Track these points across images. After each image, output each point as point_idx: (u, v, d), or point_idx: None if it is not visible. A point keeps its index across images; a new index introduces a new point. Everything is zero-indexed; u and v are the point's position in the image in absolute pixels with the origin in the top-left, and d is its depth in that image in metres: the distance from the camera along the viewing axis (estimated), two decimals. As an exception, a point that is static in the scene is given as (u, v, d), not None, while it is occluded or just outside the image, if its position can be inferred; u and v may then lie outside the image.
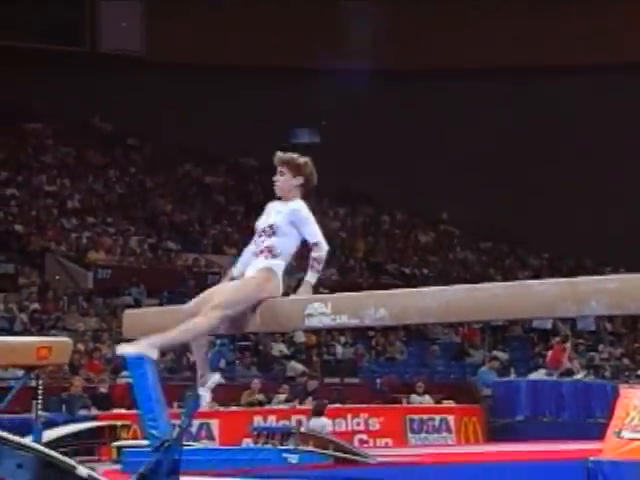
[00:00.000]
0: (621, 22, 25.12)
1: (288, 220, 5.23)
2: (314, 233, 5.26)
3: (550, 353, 15.22)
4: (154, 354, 5.17)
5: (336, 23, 25.39)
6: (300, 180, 5.28)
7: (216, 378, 5.40)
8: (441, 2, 25.88)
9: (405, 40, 25.58)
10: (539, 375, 15.48)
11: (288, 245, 5.23)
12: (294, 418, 13.11)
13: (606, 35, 24.93)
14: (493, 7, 25.76)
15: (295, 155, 5.33)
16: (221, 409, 13.04)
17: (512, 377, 16.04)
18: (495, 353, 17.28)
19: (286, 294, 5.35)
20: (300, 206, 5.26)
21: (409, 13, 25.96)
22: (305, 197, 5.31)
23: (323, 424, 12.36)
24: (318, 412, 12.56)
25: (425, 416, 14.43)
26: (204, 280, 18.95)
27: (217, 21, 25.34)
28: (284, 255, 5.24)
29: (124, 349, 5.17)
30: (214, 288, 5.43)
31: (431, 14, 25.87)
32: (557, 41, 25.22)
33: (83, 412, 11.81)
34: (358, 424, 13.78)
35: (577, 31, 25.21)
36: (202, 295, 5.30)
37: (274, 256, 5.21)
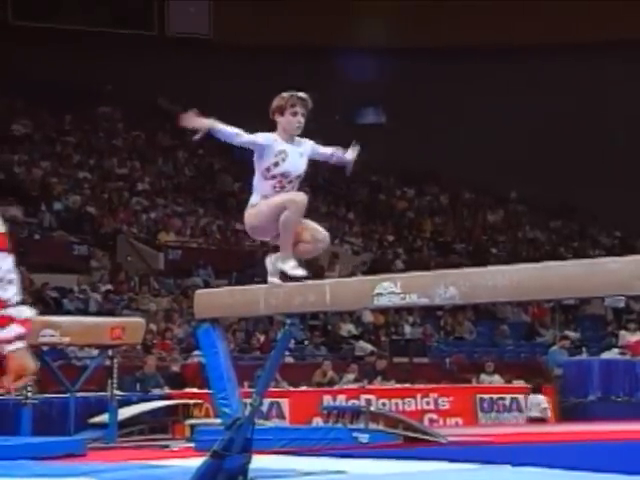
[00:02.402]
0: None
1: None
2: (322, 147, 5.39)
3: (634, 342, 14.99)
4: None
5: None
6: None
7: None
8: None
9: (458, 18, 25.27)
10: (612, 354, 15.26)
11: None
12: (363, 397, 13.15)
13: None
14: None
15: None
16: (291, 388, 13.15)
17: (584, 357, 15.83)
18: (566, 332, 17.06)
19: (353, 274, 5.36)
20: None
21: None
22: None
23: (539, 401, 13.44)
24: (536, 389, 13.61)
25: (495, 395, 14.34)
26: (272, 260, 19.13)
27: (284, 3, 25.36)
28: None
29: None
30: None
31: None
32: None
33: (156, 391, 12.01)
34: (428, 404, 13.75)
35: (608, 7, 24.64)
36: None
37: None
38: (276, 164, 5.21)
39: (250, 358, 14.10)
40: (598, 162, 24.44)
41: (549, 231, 24.43)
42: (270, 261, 5.34)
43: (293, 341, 14.28)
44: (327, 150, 5.40)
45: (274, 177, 5.21)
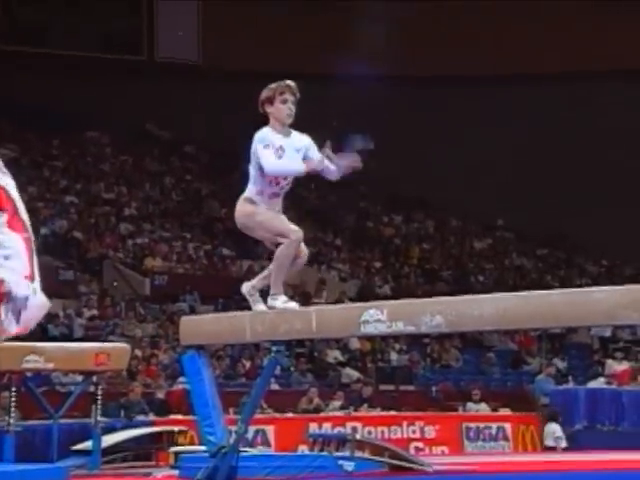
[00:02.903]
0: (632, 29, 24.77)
1: None
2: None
3: (620, 371, 14.98)
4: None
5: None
6: None
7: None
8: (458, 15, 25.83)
9: (447, 47, 25.48)
10: (598, 383, 15.25)
11: None
12: (349, 425, 13.09)
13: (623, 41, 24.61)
14: (509, 15, 25.60)
15: None
16: (277, 415, 13.09)
17: (570, 385, 15.82)
18: (553, 361, 17.07)
19: (340, 300, 5.36)
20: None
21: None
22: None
23: (554, 430, 13.24)
24: (552, 417, 13.39)
25: (482, 424, 14.30)
26: (259, 287, 19.10)
27: (273, 29, 25.50)
28: None
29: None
30: None
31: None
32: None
33: (141, 418, 11.92)
34: (414, 432, 13.71)
35: (594, 37, 24.93)
36: None
37: None
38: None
39: (236, 385, 14.03)
40: (585, 190, 24.56)
41: (536, 259, 24.50)
42: (246, 289, 5.36)
43: (279, 368, 14.23)
44: (318, 156, 5.38)
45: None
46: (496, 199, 24.16)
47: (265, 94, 5.32)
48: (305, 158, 5.28)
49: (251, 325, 5.41)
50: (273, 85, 5.31)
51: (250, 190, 5.32)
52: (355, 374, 15.67)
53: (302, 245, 5.36)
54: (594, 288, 4.13)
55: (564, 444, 13.58)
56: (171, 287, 17.98)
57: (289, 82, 5.33)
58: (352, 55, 24.81)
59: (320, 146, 5.40)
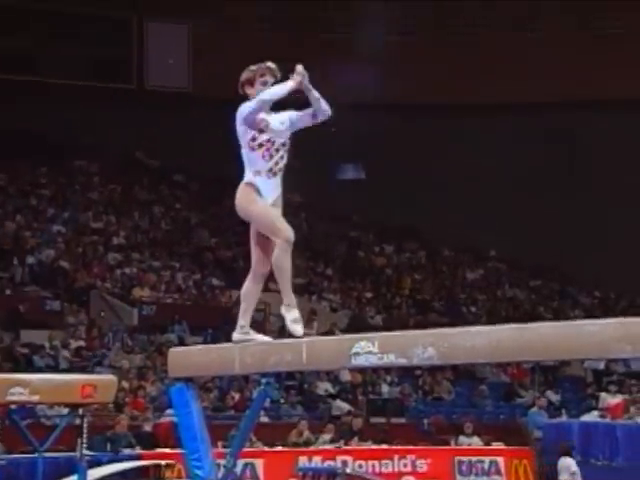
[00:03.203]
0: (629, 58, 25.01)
1: None
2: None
3: (614, 404, 14.95)
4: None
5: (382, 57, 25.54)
6: None
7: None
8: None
9: (439, 75, 25.67)
10: (592, 417, 15.21)
11: None
12: (340, 459, 13.02)
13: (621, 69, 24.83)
14: (506, 45, 25.88)
15: None
16: (266, 449, 13.01)
17: (563, 419, 15.78)
18: (546, 394, 17.04)
19: (331, 332, 5.35)
20: None
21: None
22: None
23: (569, 464, 12.83)
24: (566, 452, 13.01)
25: (474, 458, 14.24)
26: (249, 317, 19.05)
27: (263, 58, 25.61)
28: None
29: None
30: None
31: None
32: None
33: (128, 451, 11.83)
34: (405, 465, 13.64)
35: (591, 65, 25.16)
36: None
37: None
38: (260, 131, 5.27)
39: (224, 417, 13.96)
40: (579, 221, 24.65)
41: (529, 290, 24.53)
42: (238, 336, 5.39)
43: (268, 400, 14.17)
44: (308, 112, 5.40)
45: (261, 145, 5.27)
46: (488, 229, 24.22)
47: (245, 76, 5.40)
48: (292, 124, 5.32)
49: (240, 357, 5.39)
50: (253, 67, 5.40)
51: (247, 175, 5.35)
52: (346, 406, 15.61)
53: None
54: (587, 321, 4.13)
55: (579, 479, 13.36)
56: (159, 317, 17.93)
57: (270, 64, 5.40)
58: (343, 83, 24.95)
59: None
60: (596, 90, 25.05)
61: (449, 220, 24.40)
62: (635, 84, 24.52)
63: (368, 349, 4.81)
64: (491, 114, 25.33)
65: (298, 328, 5.18)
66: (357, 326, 17.85)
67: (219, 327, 17.55)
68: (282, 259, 5.25)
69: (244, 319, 5.48)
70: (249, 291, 5.54)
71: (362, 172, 26.74)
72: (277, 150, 5.28)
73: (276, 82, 5.33)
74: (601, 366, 18.31)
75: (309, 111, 5.40)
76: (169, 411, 12.50)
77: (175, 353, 5.97)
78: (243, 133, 5.28)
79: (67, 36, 25.43)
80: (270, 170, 5.29)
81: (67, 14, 25.14)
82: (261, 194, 5.30)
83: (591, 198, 24.82)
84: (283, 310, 5.25)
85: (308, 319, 18.41)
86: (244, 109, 5.29)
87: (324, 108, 5.37)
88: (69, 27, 25.32)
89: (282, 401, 15.54)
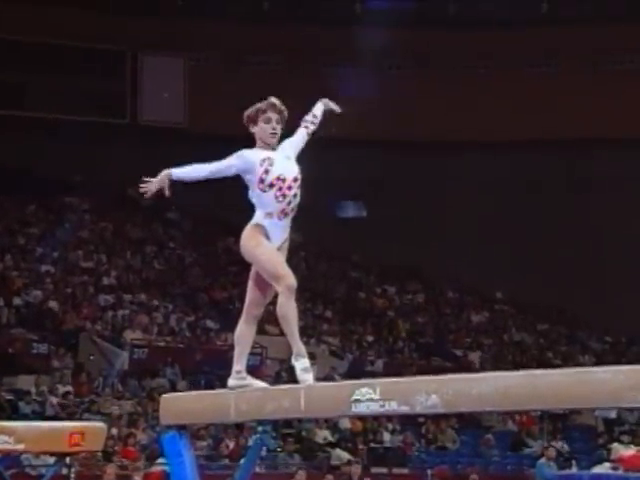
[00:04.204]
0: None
1: None
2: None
3: (627, 456, 14.84)
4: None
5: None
6: None
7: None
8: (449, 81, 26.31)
9: (440, 112, 25.85)
10: (603, 469, 15.08)
11: None
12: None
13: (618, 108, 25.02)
14: (504, 81, 26.11)
15: None
16: (262, 500, 12.90)
17: (574, 470, 15.65)
18: (555, 444, 16.92)
19: (330, 377, 5.32)
20: None
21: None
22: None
23: None
24: None
25: (480, 510, 14.13)
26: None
27: (260, 92, 25.78)
28: None
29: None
30: None
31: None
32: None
33: (116, 501, 11.73)
34: (408, 518, 13.52)
35: (590, 103, 25.37)
36: None
37: None
38: (267, 171, 5.17)
39: (218, 466, 13.87)
40: (589, 264, 24.68)
41: (537, 334, 24.47)
42: (234, 382, 5.36)
43: (265, 449, 14.08)
44: (300, 130, 5.43)
45: (272, 185, 5.17)
46: (495, 270, 24.22)
47: (247, 113, 5.36)
48: (296, 148, 5.34)
49: (236, 403, 5.36)
50: (258, 104, 5.32)
51: (257, 216, 5.25)
52: (345, 455, 15.50)
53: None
54: (599, 368, 4.11)
55: None
56: (151, 361, 17.86)
57: (273, 99, 5.32)
58: (343, 120, 25.08)
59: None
60: (597, 128, 25.21)
61: (453, 260, 24.40)
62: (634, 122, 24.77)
63: (369, 396, 4.78)
64: (494, 153, 25.45)
65: (309, 377, 5.15)
66: (357, 371, 17.78)
67: (213, 372, 17.49)
68: (286, 307, 5.23)
69: (239, 364, 5.45)
70: (243, 334, 5.53)
71: (363, 210, 26.81)
72: (289, 188, 5.19)
73: (281, 118, 5.29)
74: (613, 415, 18.21)
75: (303, 134, 5.41)
76: (160, 460, 12.41)
77: (167, 399, 5.93)
78: (250, 178, 5.22)
79: (60, 69, 25.61)
80: (282, 211, 5.21)
81: (59, 47, 25.33)
82: (269, 237, 5.24)
83: (602, 241, 24.86)
84: (293, 360, 5.22)
85: (306, 364, 18.34)
86: (238, 152, 5.33)
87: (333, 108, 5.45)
88: (61, 60, 25.50)
89: (279, 450, 15.43)
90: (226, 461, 14.35)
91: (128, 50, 26.56)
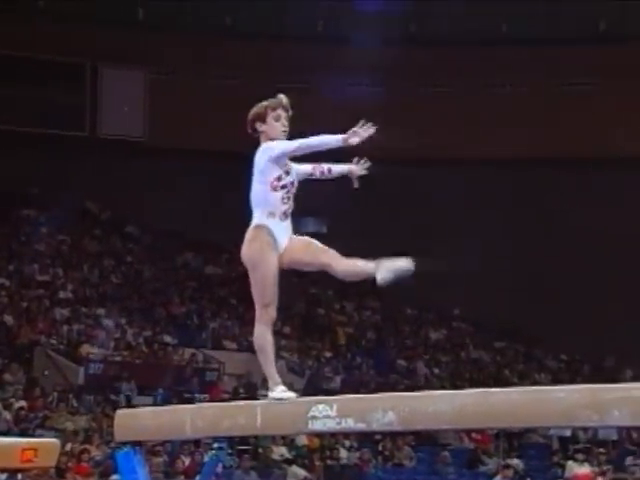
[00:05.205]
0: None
1: None
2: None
3: (581, 475, 14.94)
4: None
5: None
6: None
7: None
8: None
9: (403, 129, 26.00)
10: (558, 486, 15.18)
11: None
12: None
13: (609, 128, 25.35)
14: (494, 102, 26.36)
15: None
16: (217, 517, 12.80)
17: (529, 488, 15.72)
18: (510, 461, 16.98)
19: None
20: None
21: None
22: None
23: None
24: None
25: (436, 528, 14.12)
26: (202, 377, 18.86)
27: (221, 107, 25.77)
28: None
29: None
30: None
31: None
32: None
33: (69, 518, 11.57)
34: (363, 536, 13.49)
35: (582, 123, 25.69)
36: None
37: None
38: (288, 172, 5.11)
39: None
40: (546, 283, 24.88)
41: (494, 352, 24.60)
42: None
43: (220, 465, 13.98)
44: (307, 167, 5.28)
45: (284, 187, 5.10)
46: (453, 288, 24.32)
47: (256, 111, 5.19)
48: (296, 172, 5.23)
49: (192, 420, 5.32)
50: (264, 102, 5.21)
51: (259, 216, 5.11)
52: (302, 472, 15.45)
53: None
54: (554, 387, 4.14)
55: None
56: (107, 376, 17.69)
57: (282, 97, 5.23)
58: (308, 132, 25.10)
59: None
60: (571, 148, 25.49)
61: (412, 278, 24.44)
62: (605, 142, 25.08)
63: (326, 413, 4.77)
64: (455, 170, 25.59)
65: (290, 395, 5.10)
66: (315, 387, 17.74)
67: (170, 387, 17.36)
68: (263, 339, 5.14)
69: (276, 373, 5.20)
70: (269, 340, 5.24)
71: (323, 226, 26.83)
72: (294, 193, 5.19)
73: (288, 117, 5.17)
74: (567, 433, 18.33)
75: (308, 169, 5.27)
76: (114, 477, 12.27)
77: (122, 415, 5.88)
78: (269, 171, 5.06)
79: (18, 81, 25.37)
80: (284, 213, 5.15)
81: (18, 58, 25.10)
82: (276, 239, 5.10)
83: (558, 261, 25.09)
84: (269, 393, 5.14)
85: (264, 379, 18.28)
86: (278, 145, 5.05)
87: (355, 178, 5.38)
88: (20, 72, 25.27)
89: (235, 466, 15.34)
90: (182, 478, 14.23)
91: (88, 62, 26.40)
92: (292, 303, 24.23)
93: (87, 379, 17.77)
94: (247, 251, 5.13)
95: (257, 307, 5.17)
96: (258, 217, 5.12)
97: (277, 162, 5.08)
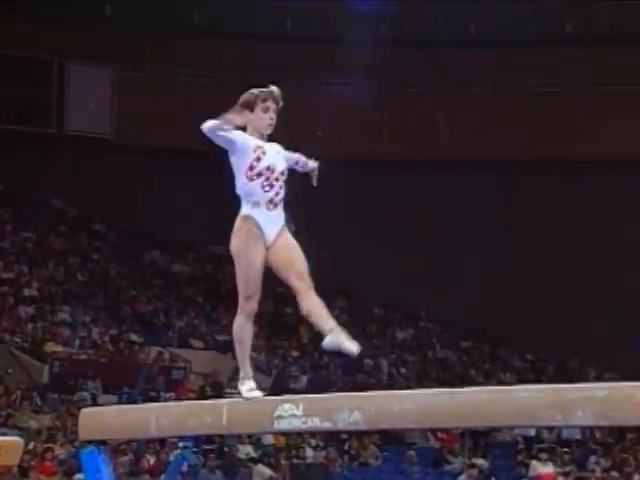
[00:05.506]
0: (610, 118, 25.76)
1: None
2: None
3: (544, 474, 15.05)
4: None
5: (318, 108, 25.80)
6: None
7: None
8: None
9: (382, 130, 26.05)
10: (522, 485, 15.28)
11: None
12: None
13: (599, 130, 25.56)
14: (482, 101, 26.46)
15: None
16: (182, 516, 12.75)
17: (493, 486, 15.81)
18: (475, 460, 17.07)
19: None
20: None
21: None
22: None
23: None
24: None
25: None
26: (168, 375, 18.78)
27: (189, 105, 25.67)
28: None
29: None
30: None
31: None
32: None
33: (32, 518, 11.49)
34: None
35: (568, 125, 25.86)
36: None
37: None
38: (258, 159, 5.01)
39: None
40: (513, 284, 25.03)
41: (460, 351, 24.72)
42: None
43: (186, 464, 13.93)
44: (294, 155, 5.25)
45: (260, 174, 5.01)
46: (420, 288, 24.41)
47: (245, 98, 5.09)
48: (285, 159, 5.15)
49: (157, 418, 5.30)
50: (255, 90, 5.10)
51: (244, 208, 5.04)
52: (267, 471, 15.43)
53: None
54: (519, 387, 4.17)
55: None
56: (72, 375, 17.57)
57: (273, 88, 5.13)
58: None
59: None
60: (537, 150, 25.67)
61: (379, 278, 24.53)
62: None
63: (292, 412, 4.77)
64: (424, 172, 25.66)
65: (257, 394, 5.09)
66: (281, 387, 17.73)
67: (136, 386, 17.27)
68: (243, 331, 5.16)
69: (248, 367, 5.20)
70: (248, 331, 5.25)
71: (292, 225, 26.79)
72: (277, 179, 5.06)
73: (277, 109, 5.09)
74: (532, 432, 18.44)
75: (296, 157, 5.24)
76: (78, 476, 12.19)
77: (87, 414, 5.84)
78: (237, 162, 5.01)
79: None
80: (271, 201, 5.05)
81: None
82: (262, 229, 5.06)
83: (525, 262, 25.25)
84: (238, 385, 5.14)
85: (231, 378, 18.22)
86: (208, 123, 4.96)
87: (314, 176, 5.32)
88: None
89: (200, 465, 15.29)
90: (147, 477, 14.17)
91: (55, 59, 26.20)
92: (260, 302, 24.20)
93: (52, 377, 17.64)
94: (232, 242, 5.09)
95: (240, 298, 5.15)
96: (244, 208, 5.07)
97: (236, 153, 5.01)
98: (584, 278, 24.71)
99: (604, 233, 24.85)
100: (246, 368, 5.14)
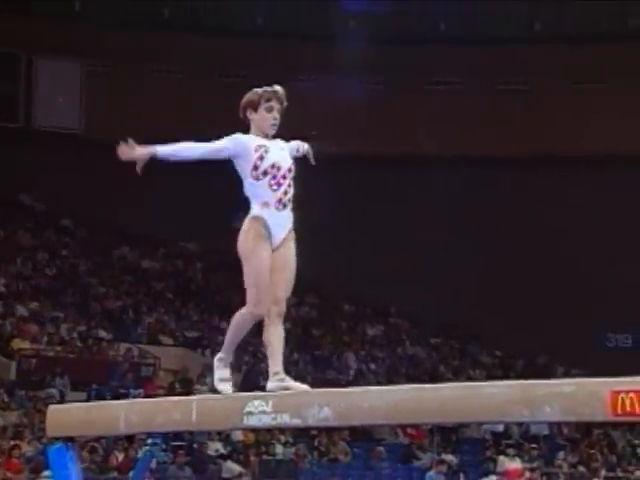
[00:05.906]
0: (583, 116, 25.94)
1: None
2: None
3: (511, 470, 15.15)
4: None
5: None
6: None
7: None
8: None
9: (363, 127, 26.06)
10: (490, 480, 15.38)
11: None
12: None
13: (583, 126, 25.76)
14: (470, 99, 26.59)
15: None
16: (150, 513, 12.73)
17: (461, 482, 15.90)
18: (444, 456, 17.16)
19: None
20: None
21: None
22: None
23: None
24: None
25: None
26: (137, 372, 18.71)
27: (158, 100, 25.57)
28: None
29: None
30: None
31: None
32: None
33: (-1, 516, 11.41)
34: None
35: (555, 122, 26.03)
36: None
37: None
38: (261, 158, 4.94)
39: (107, 479, 13.61)
40: (482, 281, 25.15)
41: (429, 348, 24.82)
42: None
43: (154, 461, 13.89)
44: (293, 143, 5.18)
45: (266, 173, 4.94)
46: (390, 284, 24.47)
47: (248, 98, 5.03)
48: (289, 150, 5.10)
49: (126, 415, 5.28)
50: (259, 90, 5.04)
51: (254, 209, 5.00)
52: (237, 468, 15.42)
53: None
54: (487, 383, 4.19)
55: None
56: (40, 371, 17.46)
57: (277, 88, 5.07)
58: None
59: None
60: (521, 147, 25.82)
61: (349, 274, 24.57)
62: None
63: (262, 409, 4.78)
64: (405, 168, 25.70)
65: (226, 387, 5.10)
66: (251, 383, 17.71)
67: (104, 383, 17.18)
68: (238, 320, 5.27)
69: (276, 364, 5.25)
70: (247, 326, 5.38)
71: (238, 221, 26.74)
72: (284, 177, 4.99)
73: (281, 109, 5.03)
74: (500, 428, 18.56)
75: (295, 145, 5.16)
76: (46, 473, 12.12)
77: (54, 410, 5.80)
78: (240, 164, 4.96)
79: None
80: (279, 201, 5.00)
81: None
82: (270, 231, 5.03)
83: (495, 259, 25.38)
84: (215, 366, 5.18)
85: (201, 375, 18.19)
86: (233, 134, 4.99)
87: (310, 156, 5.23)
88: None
89: (169, 462, 15.25)
90: (115, 474, 14.11)
91: (23, 53, 25.98)
92: (230, 298, 24.17)
93: (19, 374, 17.51)
94: (240, 242, 5.08)
95: (249, 303, 5.13)
96: (253, 209, 5.03)
97: (235, 155, 4.98)
98: (553, 276, 24.90)
99: (575, 231, 25.04)
100: (229, 352, 5.17)
